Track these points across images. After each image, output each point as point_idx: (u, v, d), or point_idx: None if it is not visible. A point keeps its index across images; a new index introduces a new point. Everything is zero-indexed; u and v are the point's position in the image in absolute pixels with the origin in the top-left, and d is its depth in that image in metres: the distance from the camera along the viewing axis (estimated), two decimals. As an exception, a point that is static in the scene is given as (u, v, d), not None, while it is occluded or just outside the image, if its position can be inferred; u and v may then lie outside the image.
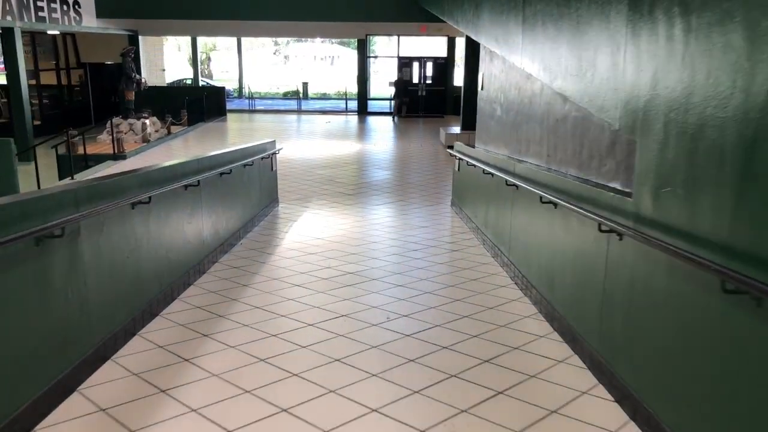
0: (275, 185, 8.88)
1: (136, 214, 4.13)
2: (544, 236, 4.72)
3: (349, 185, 10.37)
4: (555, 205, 4.29)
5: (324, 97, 35.66)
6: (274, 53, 55.43)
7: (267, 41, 53.31)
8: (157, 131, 14.84)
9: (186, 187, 5.11)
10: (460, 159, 8.08)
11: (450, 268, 6.02)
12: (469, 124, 14.66)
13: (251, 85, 40.25)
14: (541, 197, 4.50)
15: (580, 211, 3.66)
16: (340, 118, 21.36)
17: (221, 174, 6.14)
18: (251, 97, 27.68)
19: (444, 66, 22.21)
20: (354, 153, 13.74)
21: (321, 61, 54.85)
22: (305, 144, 14.93)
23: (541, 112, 5.72)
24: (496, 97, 7.16)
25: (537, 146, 5.92)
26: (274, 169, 8.68)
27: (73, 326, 3.37)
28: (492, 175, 6.12)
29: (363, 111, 22.51)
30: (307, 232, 7.28)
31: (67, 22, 16.11)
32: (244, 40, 47.51)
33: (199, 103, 19.11)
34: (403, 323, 4.43)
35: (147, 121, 14.06)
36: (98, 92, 20.93)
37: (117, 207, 3.70)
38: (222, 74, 47.03)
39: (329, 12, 18.41)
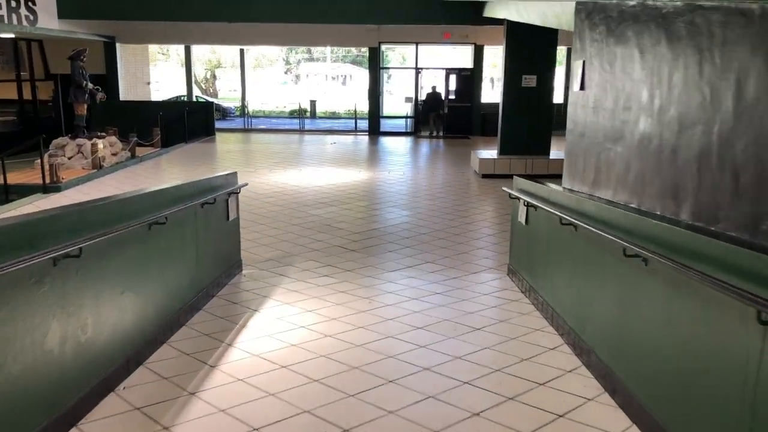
0: (234, 243, 5.73)
1: None
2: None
3: (353, 234, 7.19)
4: None
5: (333, 116, 32.90)
6: (286, 72, 53.78)
7: (276, 57, 51.09)
8: (115, 154, 11.81)
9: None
10: (528, 205, 4.91)
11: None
12: (510, 148, 11.48)
13: (254, 102, 37.60)
14: None
15: None
16: (348, 139, 18.29)
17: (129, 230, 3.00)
18: (249, 115, 24.75)
19: (470, 79, 19.13)
20: (361, 184, 10.59)
21: (333, 81, 53.40)
22: (301, 171, 11.82)
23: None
24: (635, 104, 3.93)
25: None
26: (232, 217, 5.53)
27: None
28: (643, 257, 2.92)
29: (375, 131, 19.45)
30: (271, 341, 4.11)
31: (15, 22, 13.23)
32: (251, 56, 45.22)
33: (180, 121, 16.12)
34: None
35: (99, 142, 11.03)
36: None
37: None
38: (229, 93, 44.70)
39: (337, 14, 15.44)
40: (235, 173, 5.80)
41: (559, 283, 4.32)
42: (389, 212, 8.49)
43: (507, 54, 11.48)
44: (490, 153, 11.95)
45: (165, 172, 11.64)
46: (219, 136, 18.38)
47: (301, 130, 21.19)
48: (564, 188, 4.77)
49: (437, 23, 16.42)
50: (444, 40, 18.63)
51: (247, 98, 37.07)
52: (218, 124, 24.08)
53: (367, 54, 19.33)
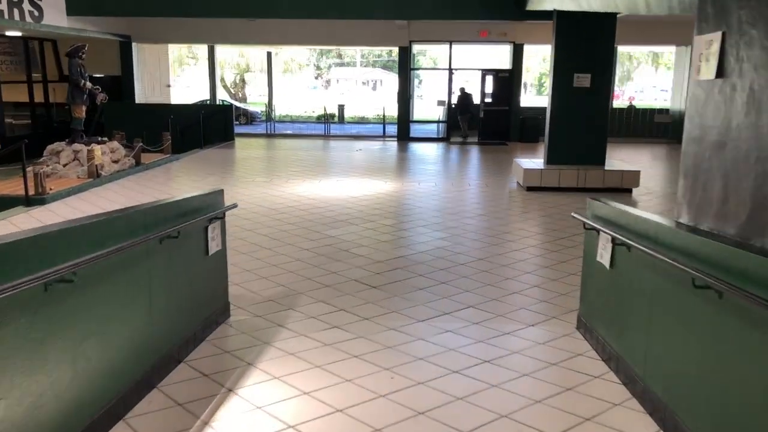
0: (217, 283, 4.40)
1: None
2: None
3: (374, 264, 5.82)
4: None
5: (362, 121, 31.73)
6: (316, 77, 53.34)
7: (306, 62, 50.40)
8: (116, 161, 10.66)
9: None
10: (617, 243, 3.49)
11: None
12: (559, 156, 10.00)
13: (282, 107, 36.65)
14: None
15: None
16: (375, 145, 16.95)
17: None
18: (272, 119, 23.67)
19: (508, 81, 17.62)
20: (387, 197, 9.22)
21: (363, 86, 53.05)
22: (320, 182, 10.52)
23: None
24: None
25: None
26: (213, 250, 4.21)
27: None
28: None
29: (404, 136, 18.07)
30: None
31: (17, 17, 12.24)
32: (279, 61, 44.41)
33: (196, 126, 15.00)
34: None
35: (97, 148, 9.88)
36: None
37: None
38: (259, 97, 44.09)
39: (365, 9, 14.12)
40: (220, 191, 4.48)
41: (675, 365, 2.88)
42: (419, 233, 7.09)
43: (556, 50, 10.00)
44: (535, 162, 10.46)
45: (167, 183, 10.45)
46: (240, 142, 17.23)
47: (326, 136, 19.94)
48: (680, 223, 3.31)
49: (474, 19, 14.98)
50: (480, 39, 17.18)
51: (274, 102, 36.20)
52: (243, 129, 23.07)
53: (397, 55, 17.95)
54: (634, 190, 9.75)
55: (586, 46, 9.78)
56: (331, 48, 18.58)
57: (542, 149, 15.42)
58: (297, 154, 14.59)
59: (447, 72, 18.04)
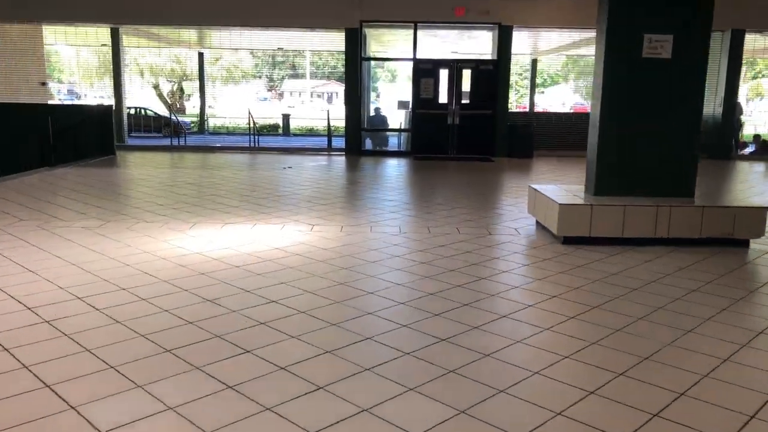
0: None
1: None
2: None
3: None
4: None
5: (311, 133, 27.40)
6: (270, 89, 50.53)
7: (253, 70, 46.18)
8: None
9: None
10: None
11: None
12: (616, 183, 5.67)
13: (221, 117, 32.40)
14: None
15: None
16: (316, 162, 12.41)
17: None
18: (206, 131, 18.97)
19: (492, 76, 13.37)
20: (307, 261, 4.66)
21: (318, 98, 51.09)
22: (194, 228, 5.88)
23: None
24: None
25: None
26: None
27: None
28: None
29: (356, 150, 13.61)
30: None
31: None
32: (221, 68, 39.88)
33: (39, 133, 10.13)
34: None
35: None
36: None
37: None
38: (208, 109, 39.50)
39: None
40: None
41: None
42: (367, 353, 2.57)
43: (611, 8, 5.64)
44: (574, 193, 6.03)
45: None
46: (134, 157, 12.45)
47: (252, 148, 15.24)
48: None
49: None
50: (455, 19, 12.91)
51: (208, 112, 31.45)
52: (152, 141, 18.17)
53: (344, 42, 13.47)
54: (753, 243, 5.46)
55: (663, -14, 5.51)
56: (254, 30, 14.09)
57: (543, 169, 11.09)
58: (200, 175, 9.89)
59: (411, 64, 13.65)
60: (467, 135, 13.38)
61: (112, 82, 18.90)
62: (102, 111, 12.19)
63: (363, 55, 13.53)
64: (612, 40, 5.63)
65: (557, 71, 33.02)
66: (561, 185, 6.61)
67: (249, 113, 16.96)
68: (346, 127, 13.52)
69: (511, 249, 5.26)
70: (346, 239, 5.44)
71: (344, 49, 13.27)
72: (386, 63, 19.88)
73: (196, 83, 39.70)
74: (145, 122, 24.82)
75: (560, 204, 5.36)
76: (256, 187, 8.68)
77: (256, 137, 16.00)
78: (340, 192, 8.50)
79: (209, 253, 4.85)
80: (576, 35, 15.13)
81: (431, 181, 9.98)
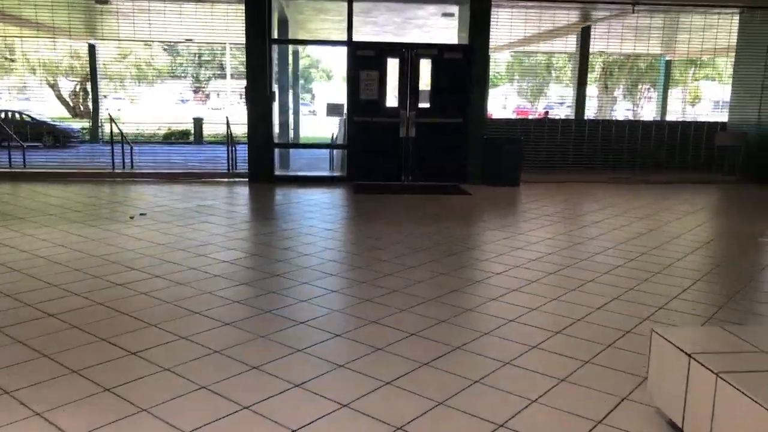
0: None
1: None
2: None
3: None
4: None
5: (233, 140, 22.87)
6: (196, 91, 45.85)
7: (171, 66, 41.22)
8: None
9: None
10: None
11: None
12: None
13: (128, 123, 27.47)
14: None
15: None
16: (193, 203, 7.93)
17: None
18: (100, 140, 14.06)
19: (462, 71, 9.25)
20: None
21: (241, 99, 46.86)
22: None
23: None
24: None
25: None
26: None
27: None
28: None
29: (264, 174, 9.22)
30: None
31: None
32: (128, 64, 34.87)
33: None
34: None
35: None
36: None
37: None
38: (117, 112, 34.24)
39: None
40: None
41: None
42: None
43: None
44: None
45: None
46: None
47: (114, 174, 10.38)
48: None
49: None
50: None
51: (103, 116, 26.53)
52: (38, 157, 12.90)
53: (244, 22, 9.03)
54: None
55: None
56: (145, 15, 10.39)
57: (554, 210, 6.96)
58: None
59: (346, 49, 9.33)
60: (428, 153, 9.24)
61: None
62: None
63: (272, 36, 9.13)
64: None
65: (500, 72, 29.14)
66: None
67: (109, 117, 12.14)
68: (250, 139, 9.09)
69: None
70: None
71: (244, 28, 8.86)
72: (315, 55, 15.47)
73: (107, 82, 34.27)
74: (18, 129, 19.22)
75: None
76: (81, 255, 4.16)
77: (130, 151, 11.18)
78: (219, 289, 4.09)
79: None
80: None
81: (382, 239, 5.69)
